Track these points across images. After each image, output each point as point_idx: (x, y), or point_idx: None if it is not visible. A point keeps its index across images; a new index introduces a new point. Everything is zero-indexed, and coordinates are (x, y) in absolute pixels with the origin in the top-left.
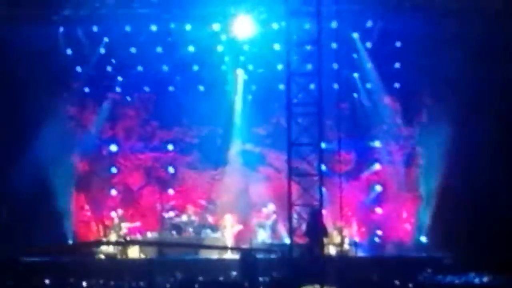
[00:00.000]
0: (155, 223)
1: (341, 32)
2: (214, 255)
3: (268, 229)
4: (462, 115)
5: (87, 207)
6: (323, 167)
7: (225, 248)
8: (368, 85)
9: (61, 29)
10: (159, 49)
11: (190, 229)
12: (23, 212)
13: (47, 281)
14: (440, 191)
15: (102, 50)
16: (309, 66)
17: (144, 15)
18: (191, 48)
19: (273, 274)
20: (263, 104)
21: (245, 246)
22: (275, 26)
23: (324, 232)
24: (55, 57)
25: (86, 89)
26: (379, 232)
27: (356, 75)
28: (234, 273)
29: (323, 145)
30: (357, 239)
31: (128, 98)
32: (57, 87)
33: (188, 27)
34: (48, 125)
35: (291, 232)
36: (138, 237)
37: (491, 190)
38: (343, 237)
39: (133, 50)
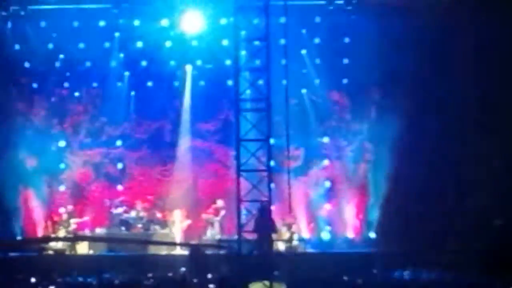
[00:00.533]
0: (104, 219)
1: (289, 27)
2: (163, 251)
3: (217, 225)
4: (410, 110)
5: (35, 203)
6: (272, 163)
7: (174, 244)
8: (317, 81)
9: (9, 24)
10: (107, 45)
11: (139, 225)
12: None
13: None
14: (389, 187)
15: (50, 46)
16: (257, 62)
17: (93, 10)
18: (139, 44)
19: (222, 270)
20: (212, 100)
21: (194, 242)
22: (223, 21)
23: (273, 228)
24: (3, 53)
25: (34, 85)
26: (328, 228)
27: (304, 71)
28: (183, 269)
29: (271, 141)
30: (306, 235)
31: (77, 94)
32: (5, 83)
33: (136, 22)
34: None
35: (240, 228)
36: (87, 232)
37: (439, 185)
38: (292, 233)
39: (81, 45)
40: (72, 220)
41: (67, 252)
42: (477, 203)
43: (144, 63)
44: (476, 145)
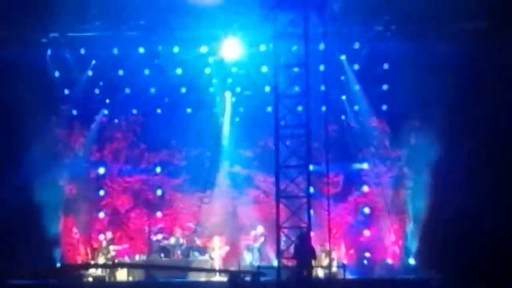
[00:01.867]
0: (143, 246)
1: (328, 54)
2: (202, 277)
3: (256, 252)
4: (449, 137)
5: (75, 230)
6: (311, 189)
7: (213, 270)
8: (356, 107)
9: (49, 51)
10: (146, 72)
11: (178, 252)
12: (11, 235)
13: None
14: (428, 213)
15: (90, 73)
16: (296, 88)
17: (132, 37)
18: (178, 71)
19: None
20: (251, 126)
21: (233, 268)
22: (262, 48)
23: (312, 254)
24: (43, 80)
25: (74, 112)
26: (367, 254)
27: (343, 97)
28: None
29: (311, 167)
30: (345, 261)
31: (116, 121)
32: (45, 110)
33: (175, 49)
34: (36, 148)
35: (279, 254)
36: (126, 259)
37: (478, 212)
38: (331, 260)
39: (120, 72)
40: (112, 247)
41: (107, 279)
42: None
43: (183, 89)
44: None
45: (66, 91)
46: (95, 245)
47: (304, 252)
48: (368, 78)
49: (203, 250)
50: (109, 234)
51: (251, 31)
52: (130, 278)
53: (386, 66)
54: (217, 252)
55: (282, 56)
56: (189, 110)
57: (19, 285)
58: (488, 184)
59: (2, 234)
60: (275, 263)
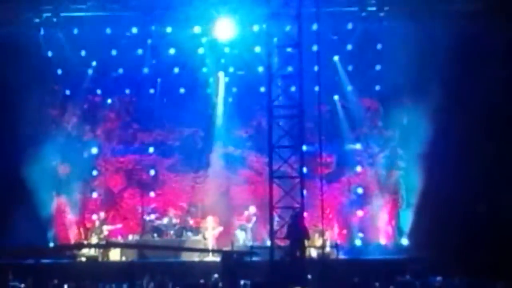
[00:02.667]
0: (136, 226)
1: (321, 34)
2: (195, 257)
3: (249, 232)
4: (442, 117)
5: (68, 209)
6: (304, 170)
7: (206, 250)
8: (349, 88)
9: (42, 31)
10: (140, 52)
11: (171, 232)
12: (3, 216)
13: (28, 283)
14: (421, 193)
15: (83, 53)
16: (290, 69)
17: (125, 17)
18: (172, 51)
19: (254, 276)
20: (244, 107)
21: (226, 248)
22: (256, 28)
23: (305, 235)
24: (36, 59)
25: (67, 92)
26: (360, 234)
27: (336, 77)
28: (216, 275)
29: (304, 147)
30: (338, 241)
31: (109, 101)
32: (38, 90)
33: (169, 29)
34: (28, 128)
35: (272, 234)
36: (119, 239)
37: (472, 192)
38: (324, 240)
39: (113, 52)
40: (105, 227)
41: (100, 259)
42: (509, 210)
43: (176, 70)
44: (510, 152)
45: (59, 71)
46: (88, 225)
47: (297, 232)
48: (361, 58)
49: (196, 230)
50: (102, 214)
51: (244, 11)
52: (123, 258)
53: (379, 46)
54: (210, 232)
55: (275, 36)
56: (182, 90)
57: (12, 264)
58: (481, 164)
59: None
60: (268, 243)
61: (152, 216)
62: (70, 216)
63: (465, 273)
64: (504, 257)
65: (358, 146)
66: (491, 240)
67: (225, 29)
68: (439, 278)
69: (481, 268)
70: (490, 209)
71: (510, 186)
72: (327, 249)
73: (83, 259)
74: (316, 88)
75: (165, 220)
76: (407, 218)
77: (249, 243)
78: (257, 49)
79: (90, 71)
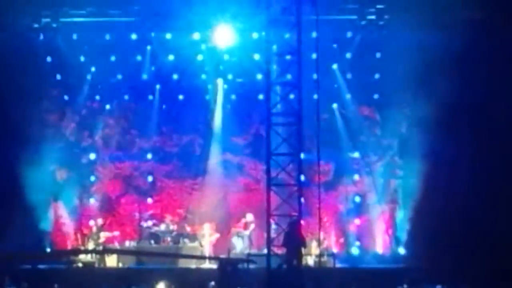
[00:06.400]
0: (133, 232)
1: (321, 42)
2: (192, 264)
3: (246, 239)
4: (441, 126)
5: (65, 215)
6: (302, 178)
7: (203, 257)
8: (348, 96)
9: (41, 36)
10: (139, 58)
11: (168, 238)
12: (0, 221)
13: None
14: (419, 203)
15: (82, 58)
16: (288, 76)
17: (124, 23)
18: (171, 57)
19: (251, 284)
20: (243, 114)
21: (223, 256)
22: (255, 35)
23: (302, 243)
24: (35, 65)
25: (66, 97)
26: (357, 243)
27: (335, 85)
28: (212, 283)
29: (302, 155)
30: (335, 250)
31: (108, 107)
32: (36, 95)
33: (168, 36)
34: (27, 133)
35: (269, 242)
36: (116, 245)
37: (470, 201)
38: (322, 248)
39: (112, 58)
40: (102, 233)
41: (96, 265)
42: (509, 220)
43: (175, 76)
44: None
45: (58, 76)
46: (85, 231)
47: (294, 240)
48: (360, 66)
49: (193, 237)
50: (99, 220)
51: (243, 19)
52: (120, 264)
53: (378, 55)
54: (207, 239)
55: (274, 44)
56: (181, 97)
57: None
58: (481, 173)
59: None
60: (265, 250)
61: (149, 223)
62: (67, 222)
63: (463, 282)
64: (503, 266)
65: (356, 154)
66: (490, 249)
67: (224, 36)
68: (438, 287)
69: (479, 277)
70: (488, 217)
71: (510, 196)
72: (324, 257)
73: (80, 265)
74: (315, 96)
75: (162, 227)
76: (405, 227)
77: (246, 251)
78: (256, 56)
79: (89, 77)
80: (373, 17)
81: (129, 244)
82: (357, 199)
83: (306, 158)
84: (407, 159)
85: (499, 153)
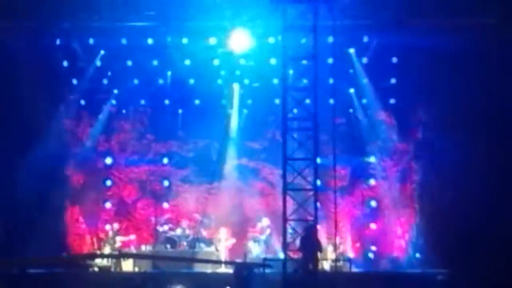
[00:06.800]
0: (149, 237)
1: (337, 47)
2: (208, 269)
3: (262, 244)
4: (457, 131)
5: (81, 219)
6: (318, 182)
7: (219, 262)
8: (364, 101)
9: (58, 41)
10: (155, 62)
11: (184, 243)
12: (18, 225)
13: None
14: (435, 207)
15: (98, 63)
16: (305, 81)
17: (141, 28)
18: (187, 62)
19: None
20: (259, 118)
21: (239, 260)
22: (271, 40)
23: (318, 247)
24: (52, 69)
25: (82, 102)
26: (373, 248)
27: (352, 90)
28: (228, 287)
29: (318, 160)
30: (351, 254)
31: (124, 111)
32: (53, 99)
33: (184, 40)
34: (43, 138)
35: (285, 246)
36: (133, 250)
37: (486, 206)
38: (338, 253)
39: (129, 63)
40: (118, 238)
41: (112, 269)
42: None
43: (191, 81)
44: None
45: (75, 81)
46: (102, 235)
47: (310, 245)
48: (376, 71)
49: (209, 242)
50: (115, 225)
51: (260, 23)
52: (136, 269)
53: (394, 60)
54: (223, 244)
55: (290, 49)
56: (197, 102)
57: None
58: (498, 177)
59: (10, 224)
60: (281, 255)
61: (165, 227)
62: (84, 226)
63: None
64: None
65: (372, 159)
66: (507, 256)
67: (240, 40)
68: None
69: (498, 282)
70: (506, 223)
71: None
72: (340, 262)
73: (96, 269)
74: (331, 101)
75: (178, 231)
76: (421, 232)
77: (262, 255)
78: (273, 61)
79: (105, 81)
80: (389, 21)
81: (145, 248)
82: (373, 203)
83: (322, 163)
84: (424, 164)
85: None
